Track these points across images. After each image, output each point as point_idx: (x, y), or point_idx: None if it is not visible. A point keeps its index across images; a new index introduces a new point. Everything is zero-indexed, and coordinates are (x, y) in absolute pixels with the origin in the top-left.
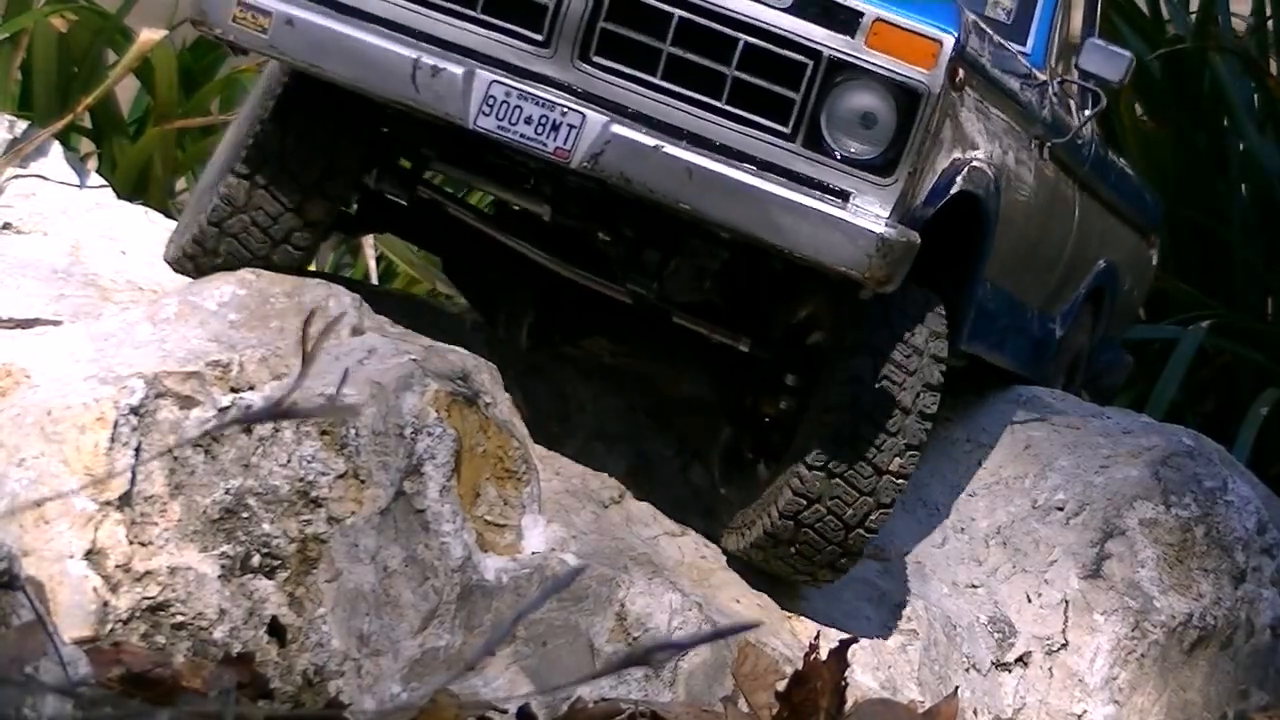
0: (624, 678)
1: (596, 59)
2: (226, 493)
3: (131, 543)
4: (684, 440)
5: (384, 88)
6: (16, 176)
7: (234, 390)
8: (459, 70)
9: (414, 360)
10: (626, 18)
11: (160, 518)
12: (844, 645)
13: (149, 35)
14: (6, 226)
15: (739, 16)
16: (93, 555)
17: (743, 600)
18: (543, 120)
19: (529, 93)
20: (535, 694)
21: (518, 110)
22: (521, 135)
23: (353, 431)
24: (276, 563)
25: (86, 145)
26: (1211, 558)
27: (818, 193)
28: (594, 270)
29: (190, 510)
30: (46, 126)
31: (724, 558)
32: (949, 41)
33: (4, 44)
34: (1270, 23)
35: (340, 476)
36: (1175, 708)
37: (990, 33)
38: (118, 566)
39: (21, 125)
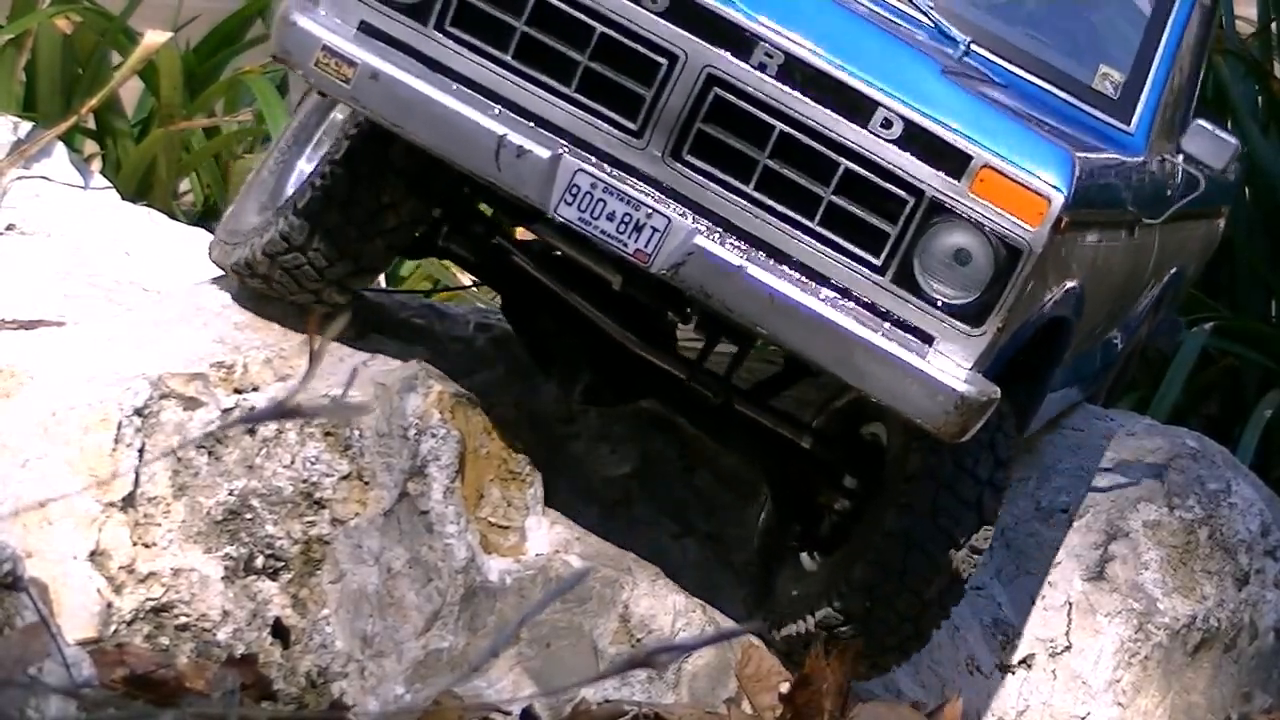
0: (627, 679)
1: (689, 158)
2: (230, 494)
3: (135, 544)
4: (686, 443)
5: (465, 159)
6: (21, 178)
7: (238, 391)
8: (544, 154)
9: (418, 361)
10: (726, 122)
11: (164, 519)
12: (847, 648)
13: (153, 37)
14: (10, 227)
15: (843, 141)
16: (96, 556)
17: (746, 602)
18: (626, 218)
19: (615, 187)
20: (539, 695)
21: (601, 204)
22: (602, 231)
23: (356, 433)
24: (280, 564)
25: (90, 146)
26: (1215, 560)
27: (900, 332)
28: (658, 346)
29: (194, 511)
30: (51, 128)
31: (727, 559)
32: (1058, 200)
33: (9, 45)
34: (1274, 25)
35: (344, 478)
36: (1179, 710)
37: (1099, 149)
38: (121, 568)
39: (26, 126)
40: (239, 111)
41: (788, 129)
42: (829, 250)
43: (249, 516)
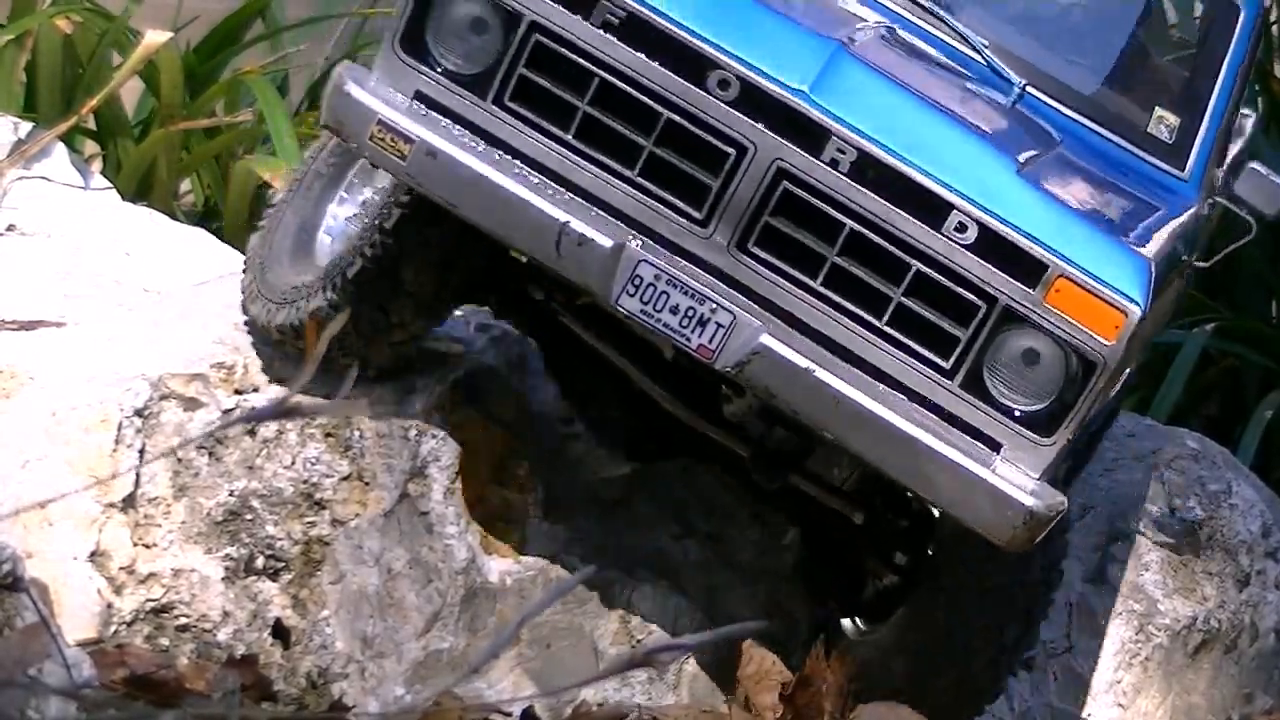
0: (627, 679)
1: (755, 250)
2: (231, 494)
3: (135, 544)
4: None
5: (525, 245)
6: (21, 178)
7: (238, 392)
8: (607, 244)
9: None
10: (795, 216)
11: (164, 519)
12: (847, 647)
13: (154, 37)
14: (11, 228)
15: (916, 244)
16: (97, 557)
17: (747, 602)
18: (690, 312)
19: (679, 280)
20: (539, 696)
21: (664, 297)
22: (665, 325)
23: (357, 434)
24: (280, 565)
25: (91, 147)
26: (1216, 561)
27: (967, 439)
28: (712, 420)
29: (194, 512)
30: (51, 128)
31: (727, 559)
32: (1135, 314)
33: (9, 45)
34: (1276, 27)
35: (344, 478)
36: (1179, 711)
37: (1157, 208)
38: (122, 568)
39: (26, 127)
40: (239, 111)
41: (859, 227)
42: (897, 351)
43: (249, 517)
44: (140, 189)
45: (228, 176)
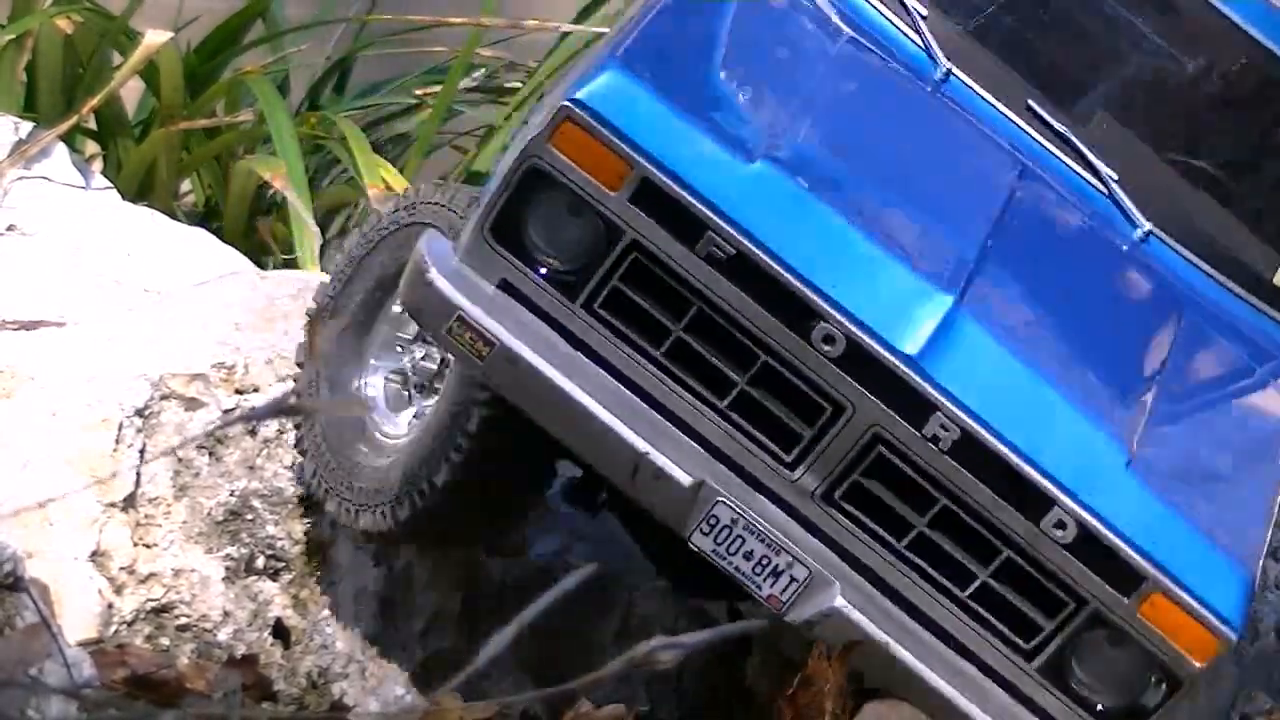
0: (628, 679)
1: (842, 503)
2: (231, 494)
3: (136, 544)
4: None
5: (599, 465)
6: (21, 178)
7: (239, 392)
8: (685, 482)
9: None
10: (887, 480)
11: (165, 519)
12: (849, 647)
13: (154, 37)
14: (11, 228)
15: (1011, 534)
16: (97, 557)
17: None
18: (764, 561)
19: (756, 526)
20: (539, 696)
21: (739, 541)
22: (737, 568)
23: None
24: (281, 565)
25: (91, 147)
26: None
27: None
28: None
29: (195, 512)
30: (51, 128)
31: None
32: (1228, 638)
33: (9, 45)
34: None
35: None
36: (1179, 711)
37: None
38: (122, 568)
39: (26, 127)
40: (240, 111)
41: (953, 506)
42: (977, 625)
43: (250, 517)
44: (141, 189)
45: (228, 176)
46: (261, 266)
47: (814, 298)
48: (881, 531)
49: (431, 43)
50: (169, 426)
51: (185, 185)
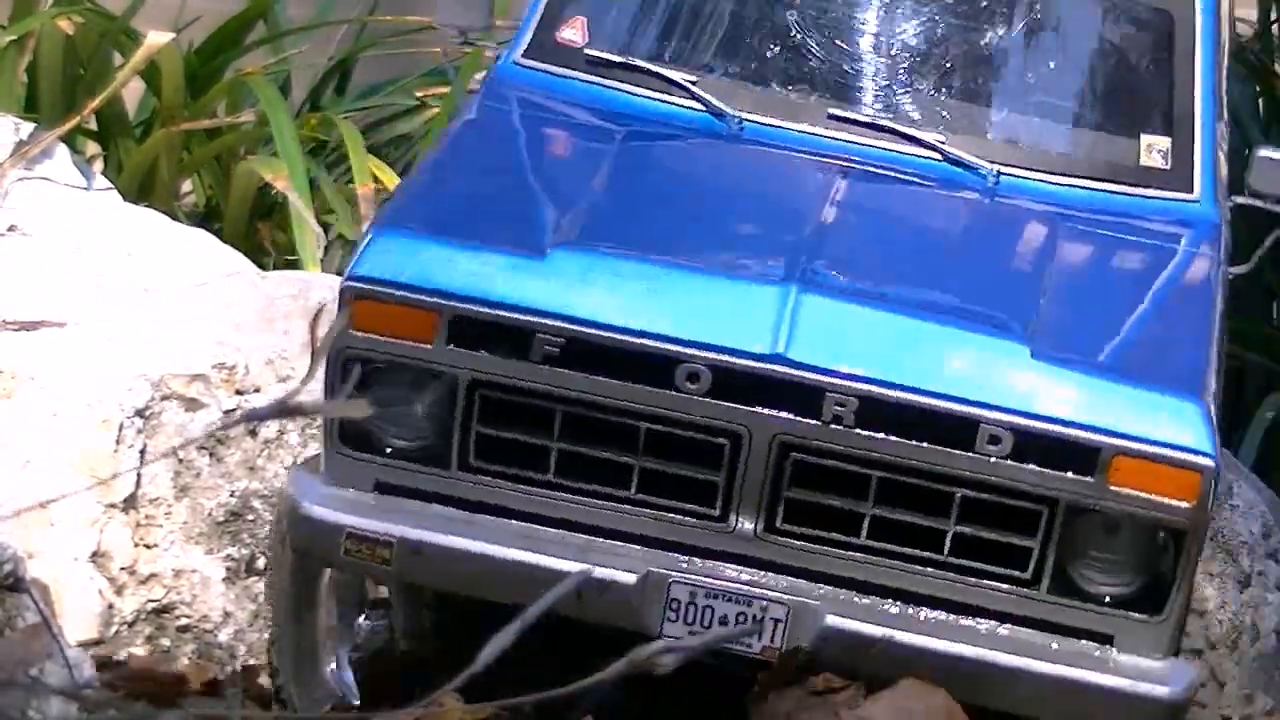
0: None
1: (786, 527)
2: (232, 495)
3: (136, 545)
4: None
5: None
6: (22, 179)
7: (239, 393)
8: (630, 579)
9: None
10: (815, 483)
11: (165, 520)
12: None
13: (155, 38)
14: (12, 228)
15: (952, 472)
16: (98, 557)
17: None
18: (740, 618)
19: (716, 589)
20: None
21: (708, 610)
22: (719, 639)
23: None
24: None
25: (92, 147)
26: (1216, 562)
27: (1075, 642)
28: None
29: (195, 512)
30: (52, 129)
31: None
32: (1208, 467)
33: (10, 46)
34: (1276, 27)
35: None
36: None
37: (1177, 237)
38: (123, 568)
39: (28, 127)
40: (241, 112)
41: (887, 474)
42: (970, 578)
43: (250, 518)
44: (142, 189)
45: (229, 177)
46: (262, 267)
47: (658, 345)
48: (835, 535)
49: (432, 44)
50: (169, 427)
51: (186, 186)
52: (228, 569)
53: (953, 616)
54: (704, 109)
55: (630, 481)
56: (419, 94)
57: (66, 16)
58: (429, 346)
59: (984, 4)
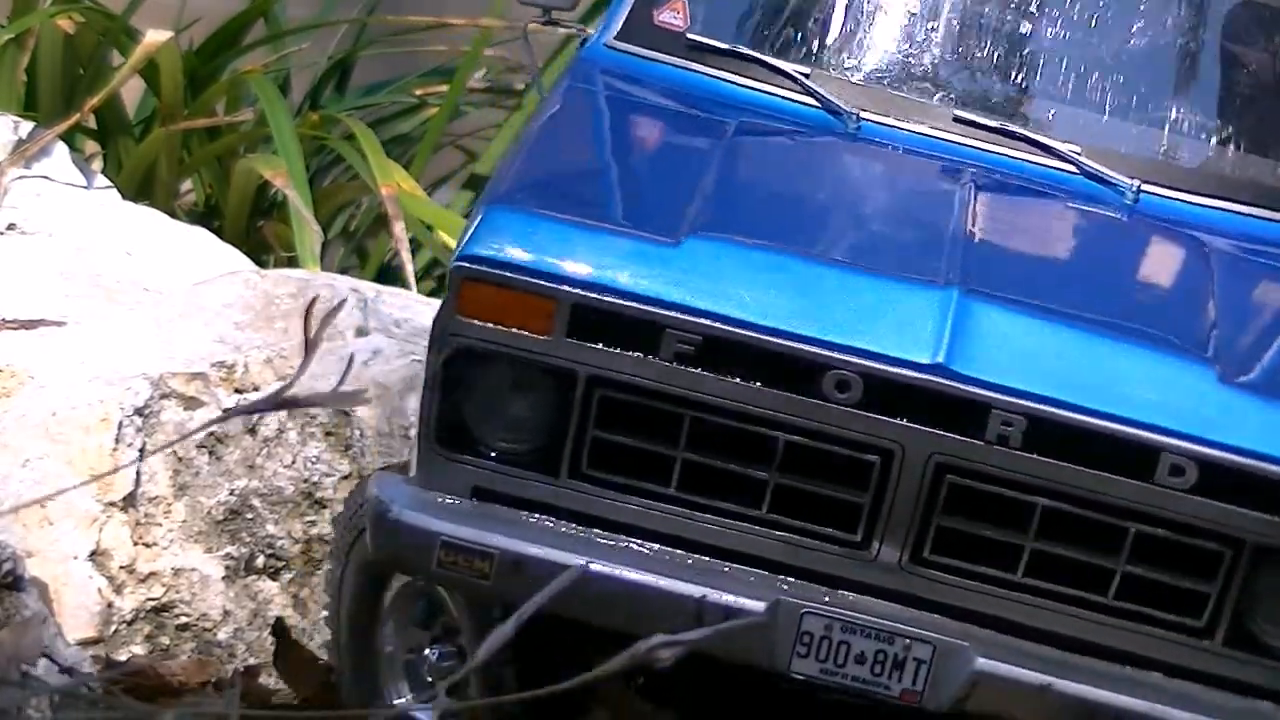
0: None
1: (933, 558)
2: (231, 493)
3: (136, 543)
4: None
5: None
6: (21, 177)
7: (238, 391)
8: (758, 607)
9: (419, 361)
10: (972, 510)
11: (164, 519)
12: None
13: (155, 36)
14: (11, 227)
15: (1126, 504)
16: (97, 556)
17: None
18: (879, 657)
19: (855, 623)
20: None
21: (844, 647)
22: (854, 678)
23: (357, 433)
24: (281, 564)
25: (92, 146)
26: None
27: (1253, 702)
28: None
29: (194, 511)
30: (52, 127)
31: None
32: None
33: (10, 45)
34: None
35: (345, 478)
36: None
37: None
38: (122, 567)
39: (27, 126)
40: (240, 111)
41: (1053, 503)
42: (1136, 625)
43: (250, 516)
44: (141, 188)
45: (229, 176)
46: (262, 265)
47: (806, 348)
48: (989, 570)
49: (432, 43)
50: (169, 426)
51: (186, 184)
52: (227, 568)
53: (1120, 667)
54: (817, 104)
55: (762, 500)
56: (419, 93)
57: (66, 15)
58: (546, 338)
59: (1130, 11)
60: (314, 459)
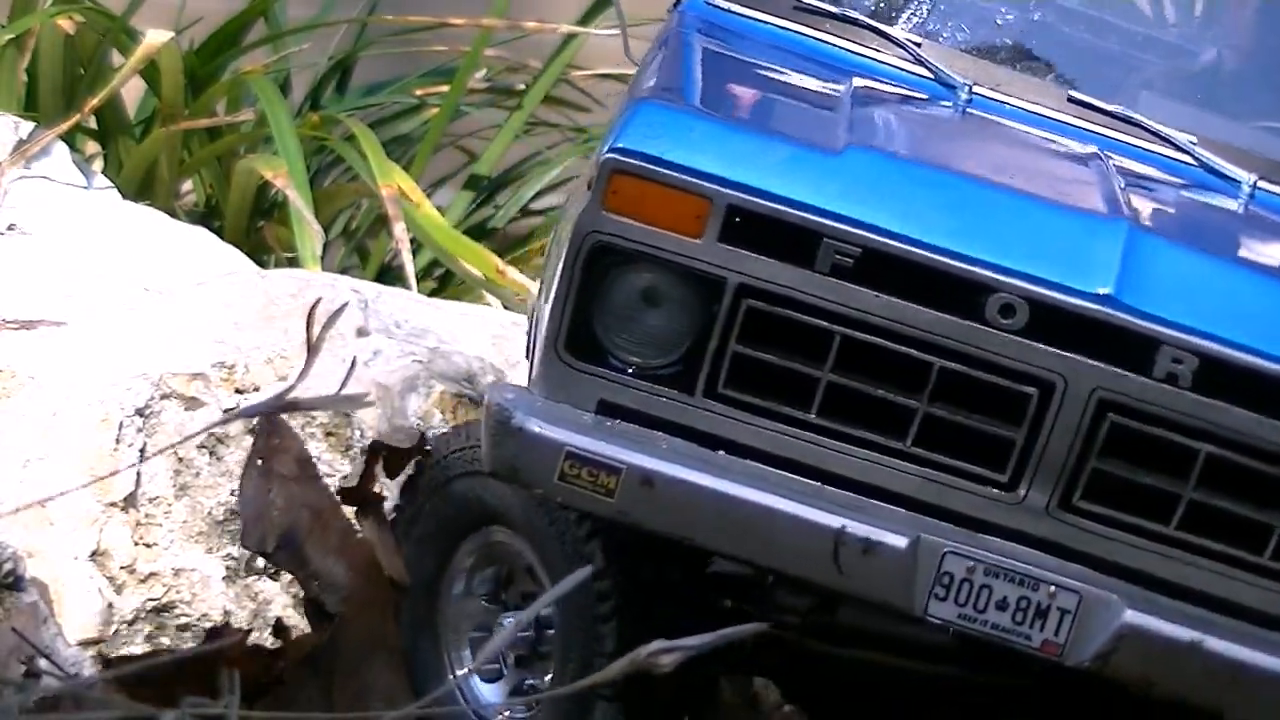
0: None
1: (1084, 505)
2: (232, 494)
3: (136, 543)
4: None
5: (792, 567)
6: (22, 178)
7: (239, 391)
8: (900, 543)
9: (419, 362)
10: (1130, 454)
11: (165, 519)
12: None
13: (155, 37)
14: (11, 227)
15: None
16: (97, 556)
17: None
18: (1022, 604)
19: (999, 567)
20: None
21: (985, 592)
22: (995, 626)
23: (357, 434)
24: None
25: (92, 146)
26: None
27: None
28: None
29: (195, 511)
30: (52, 128)
31: None
32: None
33: (10, 45)
34: None
35: (345, 478)
36: None
37: None
38: (122, 567)
39: (27, 126)
40: (240, 111)
41: (1219, 450)
42: None
43: None
44: (141, 188)
45: (229, 175)
46: (263, 265)
47: (974, 269)
48: (1142, 522)
49: (432, 43)
50: (169, 426)
51: (186, 185)
52: (227, 568)
53: (1261, 629)
54: (928, 75)
55: (907, 432)
56: (419, 93)
57: (66, 15)
58: (696, 241)
59: (1244, 3)
60: (314, 459)
